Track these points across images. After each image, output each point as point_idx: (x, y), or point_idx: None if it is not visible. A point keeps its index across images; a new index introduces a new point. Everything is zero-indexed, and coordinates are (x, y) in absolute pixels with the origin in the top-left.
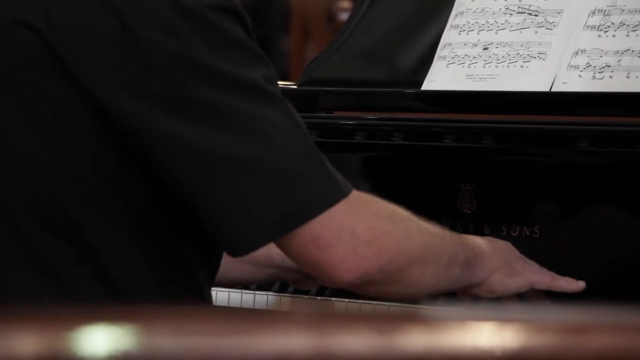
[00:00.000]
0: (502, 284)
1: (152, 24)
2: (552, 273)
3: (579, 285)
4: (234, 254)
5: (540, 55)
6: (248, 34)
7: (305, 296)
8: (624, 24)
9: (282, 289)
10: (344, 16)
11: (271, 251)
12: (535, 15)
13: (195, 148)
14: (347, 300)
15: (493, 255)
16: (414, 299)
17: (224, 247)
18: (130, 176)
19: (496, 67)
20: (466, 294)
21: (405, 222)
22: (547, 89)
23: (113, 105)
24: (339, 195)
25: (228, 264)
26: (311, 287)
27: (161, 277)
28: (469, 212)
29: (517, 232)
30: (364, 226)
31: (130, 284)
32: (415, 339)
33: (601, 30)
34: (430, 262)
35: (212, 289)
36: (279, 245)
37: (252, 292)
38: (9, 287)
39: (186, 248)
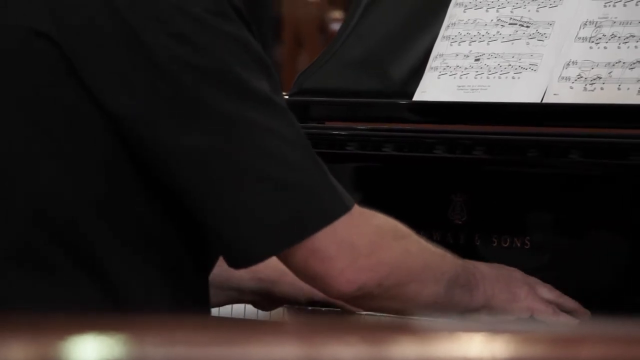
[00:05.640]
0: (501, 310)
1: (161, 32)
2: (559, 302)
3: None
4: (238, 265)
5: (532, 67)
6: (255, 40)
7: (296, 306)
8: (615, 36)
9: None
10: (335, 26)
11: (229, 273)
12: (527, 26)
13: (205, 157)
14: (339, 309)
15: (495, 281)
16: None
17: (228, 258)
18: (141, 187)
19: (488, 78)
20: (466, 318)
21: (406, 239)
22: (539, 100)
23: (122, 113)
24: (343, 209)
25: None
26: (273, 308)
27: (168, 286)
28: (459, 223)
29: (507, 244)
30: (364, 240)
31: (138, 297)
32: (406, 349)
33: (592, 42)
34: (429, 280)
35: None
36: (279, 257)
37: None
38: (16, 297)
39: (189, 257)
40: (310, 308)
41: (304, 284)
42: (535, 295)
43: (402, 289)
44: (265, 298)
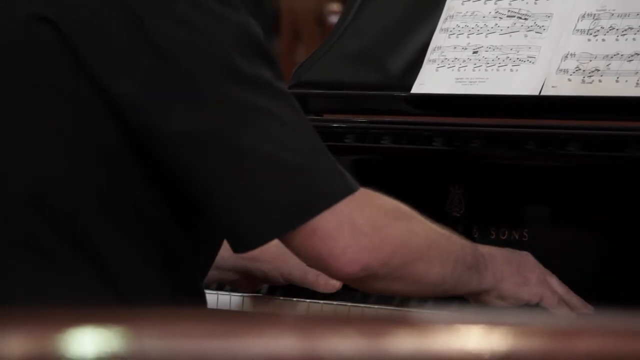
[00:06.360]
0: (512, 292)
1: (163, 16)
2: (564, 292)
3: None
4: (241, 249)
5: (530, 59)
6: (257, 27)
7: (294, 299)
8: (614, 28)
9: (272, 291)
10: (334, 19)
11: None
12: (525, 19)
13: (206, 141)
14: (336, 303)
15: (505, 264)
16: (420, 298)
17: (231, 242)
18: (141, 176)
19: (486, 70)
20: (476, 300)
21: (410, 219)
22: (537, 93)
23: (122, 99)
24: (346, 190)
25: None
26: (252, 288)
27: (165, 280)
28: (458, 215)
29: (505, 236)
30: (366, 219)
31: (135, 287)
32: (404, 342)
33: (591, 34)
34: (436, 259)
35: None
36: (281, 239)
37: (241, 294)
38: (17, 286)
39: (188, 248)
40: (309, 301)
41: (281, 263)
42: (545, 282)
43: (408, 268)
44: (244, 277)
